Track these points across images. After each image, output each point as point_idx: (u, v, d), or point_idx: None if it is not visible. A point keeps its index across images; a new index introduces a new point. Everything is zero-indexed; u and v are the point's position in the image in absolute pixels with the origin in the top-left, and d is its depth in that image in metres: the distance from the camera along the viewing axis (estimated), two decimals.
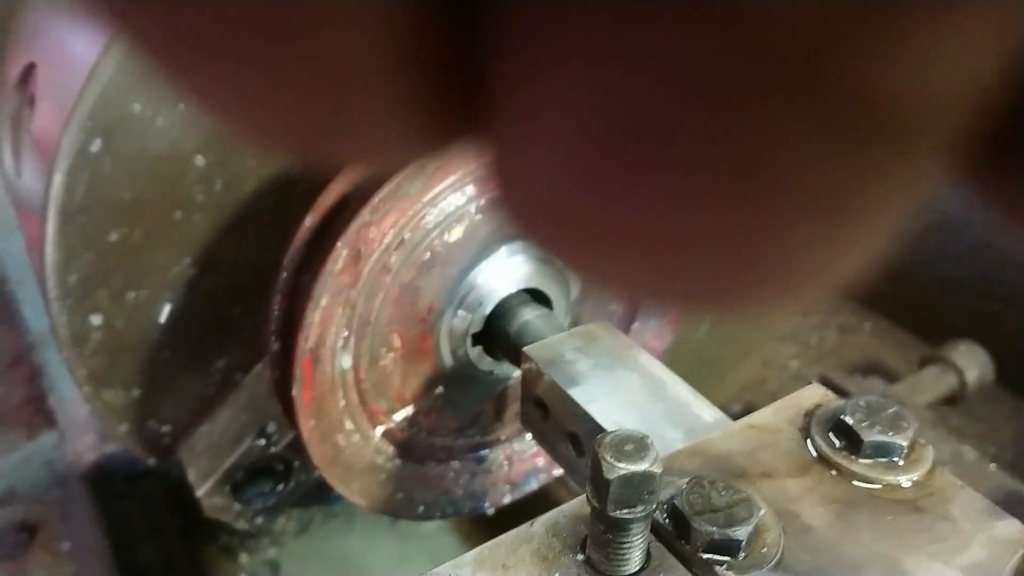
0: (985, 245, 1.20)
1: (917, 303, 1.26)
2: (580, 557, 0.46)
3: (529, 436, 0.84)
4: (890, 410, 0.52)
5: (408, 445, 0.78)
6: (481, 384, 0.79)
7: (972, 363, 1.10)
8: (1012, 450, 1.14)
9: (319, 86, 0.12)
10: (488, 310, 0.73)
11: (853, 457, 0.51)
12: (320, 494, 0.93)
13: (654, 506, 0.43)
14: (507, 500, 0.85)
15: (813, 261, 0.13)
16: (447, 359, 0.76)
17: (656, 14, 0.10)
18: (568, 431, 0.63)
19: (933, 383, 1.10)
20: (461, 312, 0.73)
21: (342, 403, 0.71)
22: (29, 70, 0.76)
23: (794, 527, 0.47)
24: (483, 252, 0.71)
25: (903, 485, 0.50)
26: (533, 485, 0.86)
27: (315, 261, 0.64)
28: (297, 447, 0.75)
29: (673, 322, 0.86)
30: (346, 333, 0.68)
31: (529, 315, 0.71)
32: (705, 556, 0.45)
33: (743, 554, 0.45)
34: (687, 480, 0.48)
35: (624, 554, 0.44)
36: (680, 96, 0.11)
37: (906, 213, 0.12)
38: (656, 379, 0.64)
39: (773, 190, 0.11)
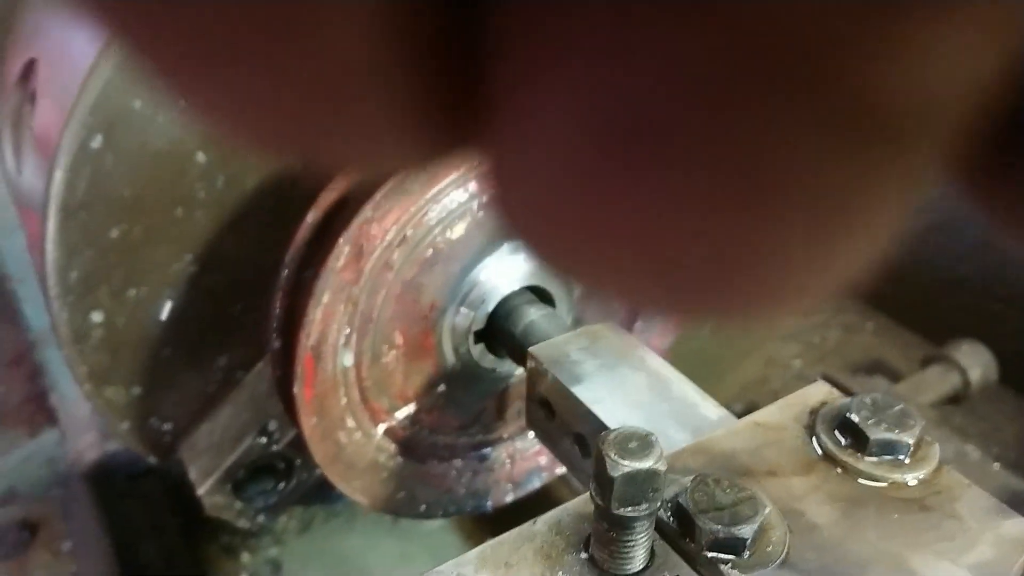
0: (988, 244, 1.20)
1: (920, 302, 1.26)
2: (583, 555, 0.46)
3: (531, 434, 0.83)
4: (896, 408, 0.51)
5: (410, 443, 0.78)
6: (483, 382, 0.79)
7: (975, 362, 1.10)
8: (1016, 449, 1.13)
9: (316, 90, 0.12)
10: (490, 307, 0.73)
11: (859, 455, 0.51)
12: (322, 493, 0.93)
13: (658, 504, 0.43)
14: (509, 499, 0.85)
15: (813, 264, 0.13)
16: (449, 357, 0.75)
17: (656, 14, 0.10)
18: (574, 432, 0.63)
19: (936, 382, 1.10)
20: (463, 309, 0.73)
21: (344, 401, 0.71)
22: (30, 67, 0.75)
23: (800, 525, 0.47)
24: (486, 249, 0.71)
25: (909, 483, 0.50)
26: (535, 484, 0.85)
27: (317, 258, 0.63)
28: (299, 445, 0.74)
29: (676, 321, 0.86)
30: (348, 330, 0.67)
31: (534, 315, 0.71)
32: (710, 554, 0.45)
33: (748, 552, 0.45)
34: (691, 478, 0.47)
35: (628, 552, 0.44)
36: (680, 96, 0.11)
37: (905, 215, 0.12)
38: (662, 379, 0.63)
39: (772, 192, 0.11)
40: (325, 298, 0.63)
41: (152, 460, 0.84)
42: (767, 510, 0.46)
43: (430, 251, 0.69)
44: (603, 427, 0.59)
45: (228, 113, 0.13)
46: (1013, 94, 0.11)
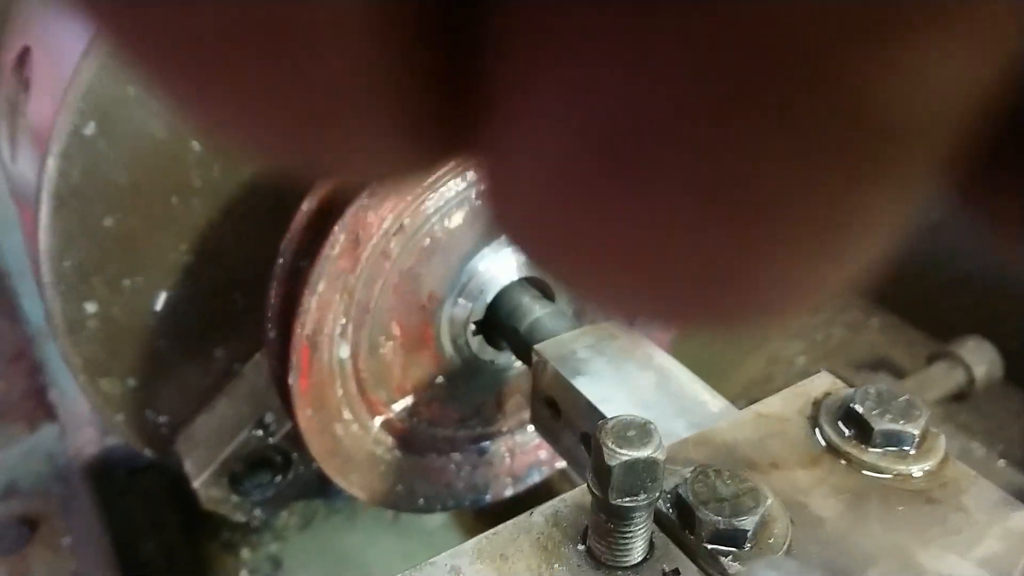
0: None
1: (925, 299, 1.26)
2: (581, 547, 0.45)
3: (531, 428, 0.83)
4: (901, 398, 0.50)
5: (408, 436, 0.77)
6: (483, 374, 0.78)
7: (980, 359, 1.10)
8: (1021, 447, 1.13)
9: (311, 94, 0.12)
10: (489, 298, 0.72)
11: (863, 446, 0.50)
12: (322, 488, 0.92)
13: (657, 494, 0.42)
14: (509, 493, 0.84)
15: (809, 272, 0.13)
16: (448, 349, 0.74)
17: (654, 21, 0.10)
18: (580, 431, 0.62)
19: (941, 379, 1.09)
20: (462, 300, 0.72)
21: (340, 392, 0.70)
22: (25, 54, 0.75)
23: (803, 518, 0.46)
24: (484, 239, 0.70)
25: (915, 475, 0.48)
26: (535, 478, 0.85)
27: (313, 246, 0.63)
28: (295, 438, 0.73)
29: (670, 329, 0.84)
30: (344, 321, 0.67)
31: (539, 311, 0.70)
32: (710, 547, 0.44)
33: (749, 545, 0.44)
34: (692, 469, 0.46)
35: (626, 544, 0.43)
36: (677, 104, 0.11)
37: (902, 223, 0.12)
38: (671, 377, 0.62)
39: (768, 201, 0.11)
40: (321, 287, 0.62)
41: (148, 453, 0.83)
42: (769, 502, 0.45)
43: (428, 240, 0.68)
44: None
45: (219, 116, 0.13)
46: (1010, 102, 0.11)
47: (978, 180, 0.13)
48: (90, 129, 0.65)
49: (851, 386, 0.54)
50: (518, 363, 0.76)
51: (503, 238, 0.60)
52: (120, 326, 0.74)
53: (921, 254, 1.12)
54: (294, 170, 0.14)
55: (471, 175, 0.66)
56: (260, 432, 0.78)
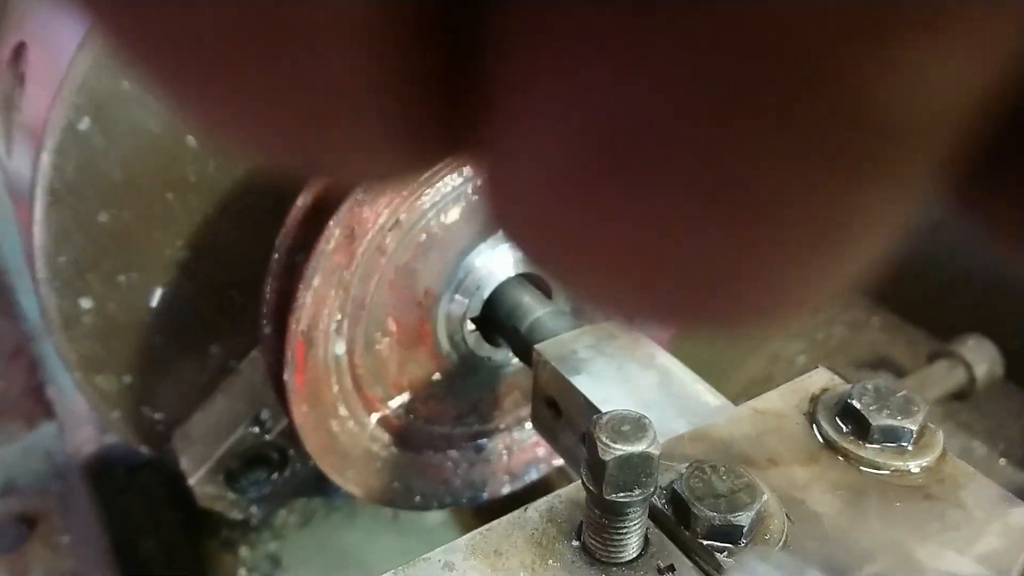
0: None
1: (926, 298, 1.25)
2: (576, 543, 0.44)
3: (529, 425, 0.82)
4: (899, 394, 0.50)
5: (405, 433, 0.77)
6: (480, 371, 0.77)
7: (981, 357, 1.09)
8: (1022, 446, 1.13)
9: (309, 95, 0.12)
10: (486, 294, 0.72)
11: (861, 442, 0.49)
12: (321, 486, 0.91)
13: (652, 490, 0.41)
14: (507, 490, 0.83)
15: (806, 274, 0.13)
16: (444, 345, 0.74)
17: (653, 22, 0.10)
18: (580, 431, 0.61)
19: (942, 378, 1.09)
20: (458, 296, 0.72)
21: (336, 389, 0.69)
22: (20, 49, 0.74)
23: (800, 514, 0.46)
24: (481, 234, 0.70)
25: (913, 471, 0.48)
26: (533, 475, 0.84)
27: (308, 241, 0.62)
28: (292, 435, 0.73)
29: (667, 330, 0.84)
30: (339, 316, 0.66)
31: (540, 312, 0.69)
32: (706, 543, 0.43)
33: (745, 541, 0.43)
34: (688, 465, 0.46)
35: (621, 540, 0.42)
36: (676, 105, 0.11)
37: (900, 225, 0.12)
38: (673, 376, 0.61)
39: (766, 204, 0.11)
40: (316, 282, 0.62)
41: (144, 450, 0.83)
42: (765, 498, 0.44)
43: (424, 236, 0.67)
44: None
45: (218, 116, 0.13)
46: (1010, 103, 0.11)
47: (977, 182, 0.13)
48: (84, 124, 0.64)
49: (849, 382, 0.54)
50: (515, 360, 0.75)
51: (499, 234, 0.59)
52: (116, 322, 0.73)
53: (922, 253, 1.11)
54: (293, 169, 0.14)
55: (467, 170, 0.66)
56: (256, 429, 0.78)
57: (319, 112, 0.12)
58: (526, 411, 0.82)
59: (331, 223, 0.60)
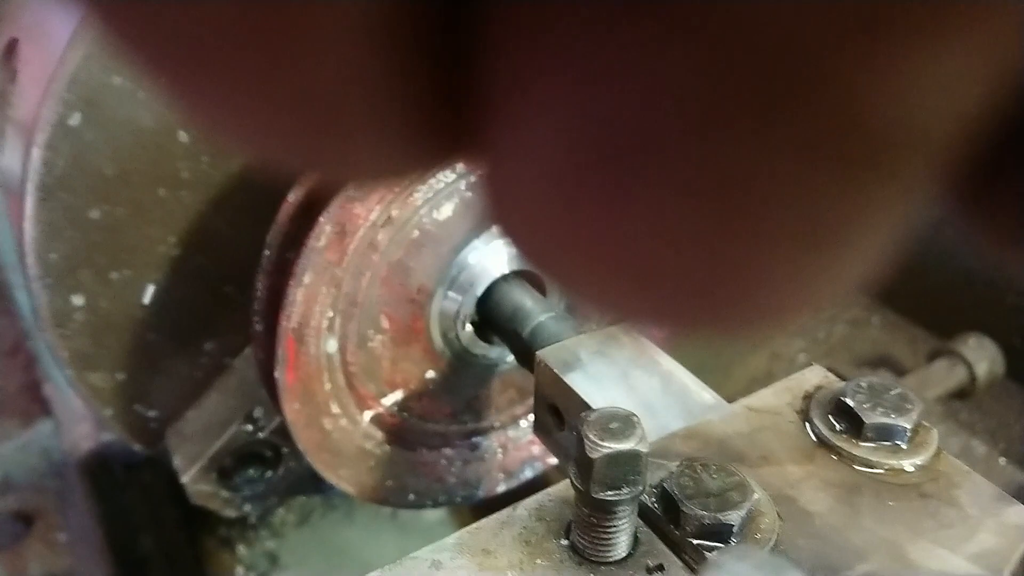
0: None
1: (927, 297, 1.25)
2: (564, 542, 0.44)
3: (524, 423, 0.82)
4: (893, 392, 0.49)
5: (399, 431, 0.76)
6: (474, 368, 0.77)
7: (982, 356, 1.09)
8: (1022, 445, 1.12)
9: (306, 96, 0.12)
10: (480, 291, 0.71)
11: (854, 440, 0.49)
12: (318, 484, 0.91)
13: (641, 488, 0.41)
14: (502, 489, 0.83)
15: (803, 278, 0.13)
16: (438, 342, 0.74)
17: (647, 27, 0.10)
18: None
19: (943, 376, 1.08)
20: (452, 293, 0.71)
21: (328, 386, 0.69)
22: (12, 45, 0.74)
23: (792, 512, 0.45)
24: (474, 231, 0.69)
25: (907, 469, 0.48)
26: (528, 474, 0.84)
27: (299, 237, 0.62)
28: (285, 432, 0.73)
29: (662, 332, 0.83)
30: (331, 313, 0.66)
31: (542, 316, 0.68)
32: (696, 542, 0.43)
33: (735, 540, 0.43)
34: (679, 463, 0.45)
35: (610, 539, 0.42)
36: (670, 111, 0.11)
37: (896, 233, 0.12)
38: (678, 383, 0.60)
39: (760, 210, 0.11)
40: (307, 279, 0.61)
41: (137, 448, 0.82)
42: (756, 496, 0.44)
43: (417, 232, 0.67)
44: None
45: (217, 116, 0.13)
46: (1009, 110, 0.11)
47: (976, 187, 0.13)
48: (75, 119, 0.64)
49: (845, 378, 0.53)
50: (510, 357, 0.75)
51: (493, 230, 0.59)
52: (108, 319, 0.73)
53: (923, 252, 1.11)
54: (291, 168, 0.14)
55: (460, 166, 0.65)
56: (250, 426, 0.78)
57: (318, 112, 0.12)
58: (521, 409, 0.82)
59: (322, 219, 0.60)
